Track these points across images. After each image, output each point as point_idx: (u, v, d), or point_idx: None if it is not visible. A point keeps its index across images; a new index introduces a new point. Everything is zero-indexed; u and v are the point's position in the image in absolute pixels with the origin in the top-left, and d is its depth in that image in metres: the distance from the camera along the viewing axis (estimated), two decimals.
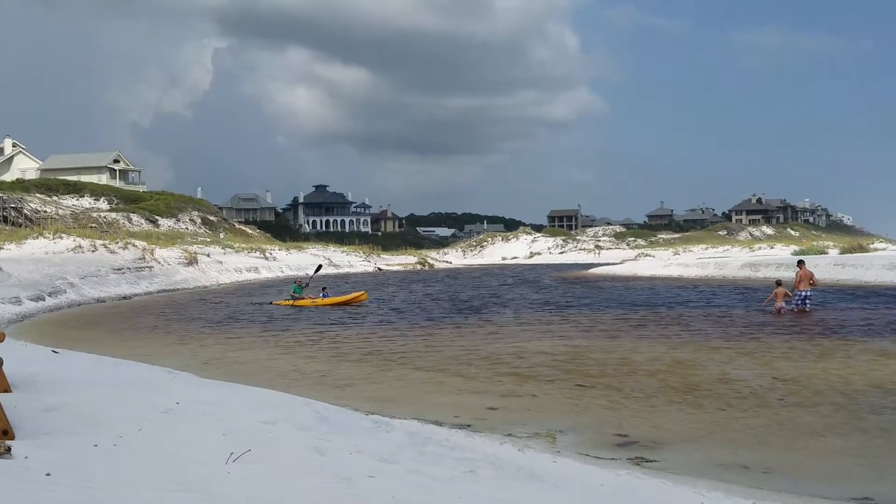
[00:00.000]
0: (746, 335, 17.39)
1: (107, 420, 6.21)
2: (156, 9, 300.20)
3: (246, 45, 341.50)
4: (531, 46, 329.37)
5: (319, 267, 37.03)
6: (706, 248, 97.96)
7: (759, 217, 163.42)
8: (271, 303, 29.90)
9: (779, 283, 22.93)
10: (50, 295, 26.82)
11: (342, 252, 76.84)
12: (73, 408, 6.57)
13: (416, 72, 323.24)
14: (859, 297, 27.70)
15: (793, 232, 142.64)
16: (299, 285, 30.55)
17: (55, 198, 72.15)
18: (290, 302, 29.19)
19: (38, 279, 28.19)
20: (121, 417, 6.35)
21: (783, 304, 21.93)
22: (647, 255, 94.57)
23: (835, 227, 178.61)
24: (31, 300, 24.94)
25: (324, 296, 29.83)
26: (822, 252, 55.35)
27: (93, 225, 56.82)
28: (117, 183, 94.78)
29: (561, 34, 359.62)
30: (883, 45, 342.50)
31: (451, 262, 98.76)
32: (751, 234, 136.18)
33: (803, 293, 22.09)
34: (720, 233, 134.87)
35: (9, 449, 4.84)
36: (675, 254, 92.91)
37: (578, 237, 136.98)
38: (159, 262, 40.96)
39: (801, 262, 23.53)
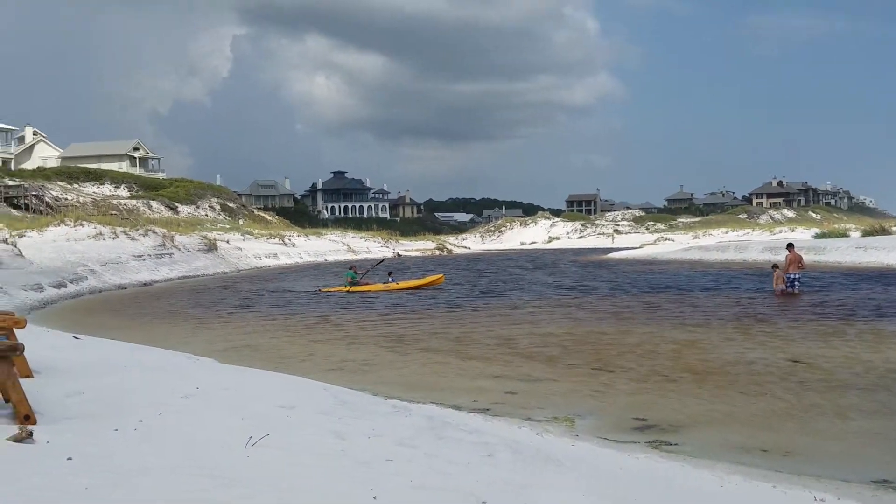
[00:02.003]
0: (761, 318, 17.32)
1: (127, 405, 6.26)
2: None
3: (265, 33, 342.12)
4: (550, 31, 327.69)
5: (381, 260, 35.27)
6: (726, 232, 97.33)
7: (779, 200, 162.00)
8: (319, 290, 28.82)
9: (775, 266, 23.55)
10: (71, 282, 27.06)
11: (361, 238, 76.99)
12: (93, 393, 6.63)
13: (434, 58, 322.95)
14: (881, 279, 27.44)
15: (814, 215, 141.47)
16: (355, 271, 29.87)
17: (76, 185, 72.69)
18: (346, 288, 28.14)
19: (60, 266, 28.45)
20: (141, 402, 6.40)
21: (783, 286, 22.51)
22: (666, 239, 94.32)
23: (857, 209, 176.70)
24: (53, 287, 25.17)
25: (392, 280, 29.27)
26: (844, 235, 54.77)
27: (113, 212, 57.20)
28: (137, 170, 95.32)
29: (580, 19, 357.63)
30: None
31: (469, 248, 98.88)
32: (771, 218, 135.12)
33: (792, 276, 22.61)
34: (741, 216, 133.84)
35: (31, 434, 4.90)
36: (695, 237, 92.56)
37: (597, 222, 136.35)
38: (179, 249, 41.23)
39: (790, 246, 24.09)
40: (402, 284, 29.06)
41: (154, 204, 70.14)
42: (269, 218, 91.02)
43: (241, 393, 7.57)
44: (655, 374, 11.03)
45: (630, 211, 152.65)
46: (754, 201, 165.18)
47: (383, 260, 33.12)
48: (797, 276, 22.58)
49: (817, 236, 56.80)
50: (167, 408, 6.28)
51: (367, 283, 29.09)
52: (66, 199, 61.84)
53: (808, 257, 32.71)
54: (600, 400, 9.59)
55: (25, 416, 5.31)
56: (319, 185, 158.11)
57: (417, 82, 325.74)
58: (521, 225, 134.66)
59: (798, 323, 16.34)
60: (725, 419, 8.53)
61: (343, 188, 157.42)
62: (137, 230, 40.43)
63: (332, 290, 28.51)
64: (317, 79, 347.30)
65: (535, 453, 6.27)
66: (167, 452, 4.94)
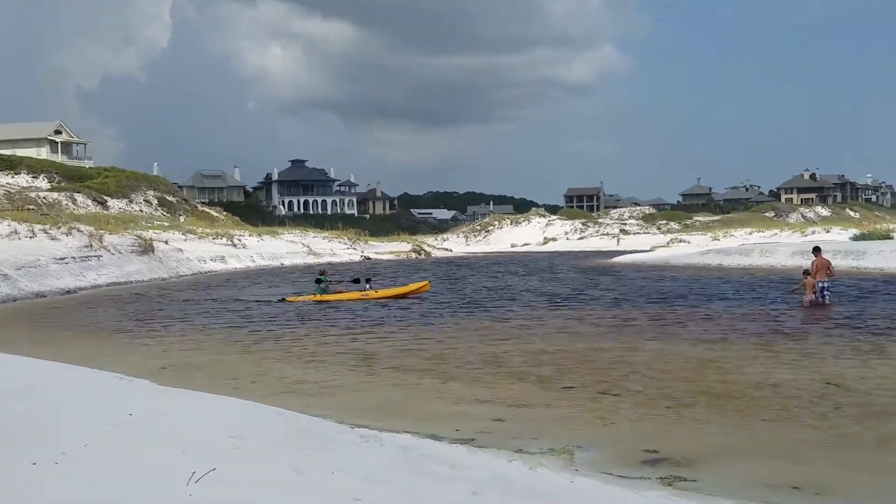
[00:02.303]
0: (788, 333, 17.43)
1: (47, 434, 6.22)
2: None
3: None
4: None
5: (357, 280, 35.10)
6: (750, 233, 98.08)
7: (812, 196, 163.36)
8: (284, 299, 28.08)
9: (806, 272, 23.35)
10: None
11: (323, 238, 76.85)
12: (8, 421, 6.59)
13: (411, 27, 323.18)
14: None
15: (852, 213, 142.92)
16: (326, 277, 29.66)
17: None
18: (317, 297, 27.95)
19: None
20: (64, 431, 6.37)
21: (813, 296, 22.56)
22: (681, 241, 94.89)
23: None
24: None
25: (370, 287, 29.21)
26: (887, 236, 55.19)
27: (31, 207, 56.73)
28: (59, 157, 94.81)
29: None
30: None
31: (451, 250, 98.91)
32: (803, 216, 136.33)
33: (820, 284, 22.69)
34: (767, 214, 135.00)
35: None
36: (715, 239, 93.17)
37: (601, 220, 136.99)
38: (109, 251, 40.96)
39: (816, 250, 23.94)
40: (383, 293, 28.95)
41: (79, 197, 69.69)
42: (215, 214, 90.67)
43: (182, 420, 7.54)
44: (667, 398, 11.07)
45: (639, 208, 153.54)
46: (783, 197, 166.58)
47: (359, 280, 32.97)
48: (826, 284, 22.71)
49: (855, 238, 57.29)
50: (94, 437, 6.25)
51: (339, 291, 28.94)
52: None
53: (845, 262, 33.11)
54: (603, 428, 9.61)
55: None
56: (275, 176, 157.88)
57: (391, 55, 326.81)
58: (511, 224, 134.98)
59: (831, 339, 16.44)
60: (748, 450, 8.58)
61: (302, 180, 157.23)
62: (59, 228, 40.17)
63: (300, 299, 28.18)
64: (272, 49, 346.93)
65: (529, 491, 6.29)
66: (94, 490, 4.91)
